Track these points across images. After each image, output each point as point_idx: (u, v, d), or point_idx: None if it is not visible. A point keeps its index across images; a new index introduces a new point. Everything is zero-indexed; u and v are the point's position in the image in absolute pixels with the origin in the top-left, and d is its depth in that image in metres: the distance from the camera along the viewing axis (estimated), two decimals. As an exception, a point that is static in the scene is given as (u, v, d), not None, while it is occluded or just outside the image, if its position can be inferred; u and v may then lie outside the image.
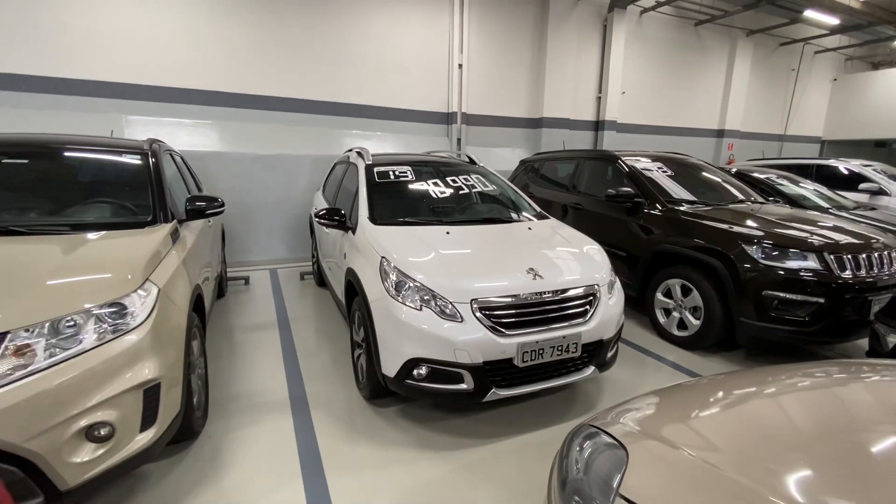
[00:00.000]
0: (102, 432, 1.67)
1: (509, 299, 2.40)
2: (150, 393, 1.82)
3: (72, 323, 1.69)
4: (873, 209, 5.84)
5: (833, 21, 9.63)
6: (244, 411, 2.73)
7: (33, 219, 2.46)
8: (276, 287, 5.29)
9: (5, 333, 1.56)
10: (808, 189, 5.92)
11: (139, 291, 1.90)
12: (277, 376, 3.18)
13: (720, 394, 1.45)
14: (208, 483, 2.14)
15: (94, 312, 1.75)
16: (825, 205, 5.53)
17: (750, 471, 0.97)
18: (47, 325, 1.64)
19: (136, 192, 2.74)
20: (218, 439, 2.46)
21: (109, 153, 2.97)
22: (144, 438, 1.81)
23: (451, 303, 2.35)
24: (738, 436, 1.14)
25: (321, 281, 5.03)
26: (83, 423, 1.63)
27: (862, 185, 6.73)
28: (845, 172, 7.20)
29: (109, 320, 1.77)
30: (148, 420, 1.82)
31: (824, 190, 6.03)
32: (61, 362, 1.61)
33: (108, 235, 2.28)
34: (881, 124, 11.78)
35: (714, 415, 1.29)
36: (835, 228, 3.58)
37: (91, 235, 2.25)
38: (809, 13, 9.16)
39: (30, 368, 1.56)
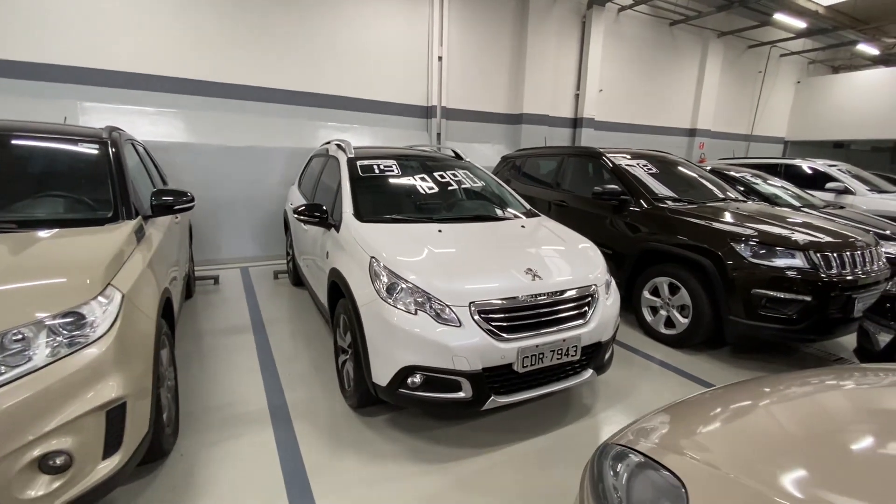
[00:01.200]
0: (58, 462, 1.45)
1: (509, 301, 2.28)
2: (114, 414, 1.60)
3: (19, 336, 1.46)
4: (841, 207, 6.03)
5: (800, 24, 9.95)
6: (219, 425, 2.51)
7: (-27, 215, 2.17)
8: (249, 287, 5.01)
9: (-64, 352, 1.32)
10: (779, 188, 6.06)
11: (100, 298, 1.67)
12: (254, 385, 2.96)
13: (745, 408, 1.37)
14: (182, 509, 1.93)
15: (47, 324, 1.51)
16: (797, 203, 5.66)
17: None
18: (-11, 340, 1.41)
19: (95, 185, 2.47)
20: (191, 458, 2.24)
21: (64, 141, 2.67)
22: (108, 466, 1.59)
23: (447, 306, 2.21)
24: (791, 458, 1.04)
25: (297, 280, 4.79)
26: (36, 452, 1.41)
27: (829, 185, 6.95)
28: (809, 172, 7.44)
29: (65, 332, 1.54)
30: (112, 445, 1.60)
31: (794, 189, 6.18)
32: (7, 383, 1.39)
33: (62, 234, 2.02)
34: (840, 126, 12.31)
35: (752, 434, 1.19)
36: (818, 227, 3.62)
37: (42, 233, 1.99)
38: (779, 16, 9.43)
39: (-32, 392, 1.33)
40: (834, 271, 3.22)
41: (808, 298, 3.17)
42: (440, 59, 7.33)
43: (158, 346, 2.00)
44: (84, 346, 1.55)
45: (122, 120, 5.02)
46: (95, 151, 2.61)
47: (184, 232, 3.93)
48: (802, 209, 5.37)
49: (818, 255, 3.23)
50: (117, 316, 1.69)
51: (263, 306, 4.41)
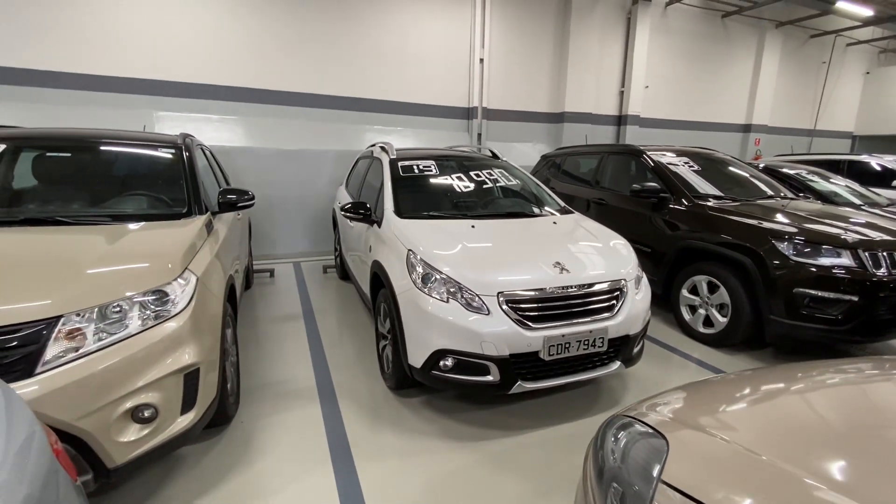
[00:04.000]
0: (146, 414, 1.75)
1: (536, 293, 2.41)
2: (190, 377, 1.89)
3: (118, 309, 1.76)
4: (910, 206, 5.64)
5: (867, 12, 9.28)
6: (274, 399, 2.81)
7: (77, 209, 2.56)
8: (301, 280, 5.39)
9: (59, 317, 1.64)
10: (839, 185, 5.76)
11: (179, 280, 1.97)
12: (304, 366, 3.25)
13: (752, 387, 1.44)
14: (242, 466, 2.21)
15: (138, 299, 1.82)
16: (857, 202, 5.38)
17: (789, 457, 0.97)
18: (96, 310, 1.72)
19: (172, 185, 2.83)
20: (250, 425, 2.53)
21: (145, 147, 3.07)
22: (185, 421, 1.88)
23: (477, 295, 2.37)
24: (774, 426, 1.13)
25: (344, 274, 5.10)
26: (129, 404, 1.70)
27: (897, 182, 6.51)
28: (878, 169, 6.97)
29: (152, 307, 1.84)
30: (188, 403, 1.89)
31: (856, 186, 5.85)
32: (109, 346, 1.69)
33: (147, 226, 2.36)
34: (917, 119, 11.34)
35: (748, 407, 1.28)
36: (869, 225, 3.49)
37: (132, 226, 2.33)
38: (841, 4, 8.85)
39: (80, 351, 1.64)
40: (884, 270, 3.10)
41: (854, 298, 3.07)
42: (481, 60, 7.48)
43: (224, 324, 2.29)
44: (167, 319, 1.85)
45: (190, 127, 5.56)
46: (172, 156, 2.99)
47: (244, 228, 4.32)
48: (863, 208, 5.10)
49: (866, 253, 3.12)
50: (193, 295, 1.98)
51: (313, 298, 4.75)
